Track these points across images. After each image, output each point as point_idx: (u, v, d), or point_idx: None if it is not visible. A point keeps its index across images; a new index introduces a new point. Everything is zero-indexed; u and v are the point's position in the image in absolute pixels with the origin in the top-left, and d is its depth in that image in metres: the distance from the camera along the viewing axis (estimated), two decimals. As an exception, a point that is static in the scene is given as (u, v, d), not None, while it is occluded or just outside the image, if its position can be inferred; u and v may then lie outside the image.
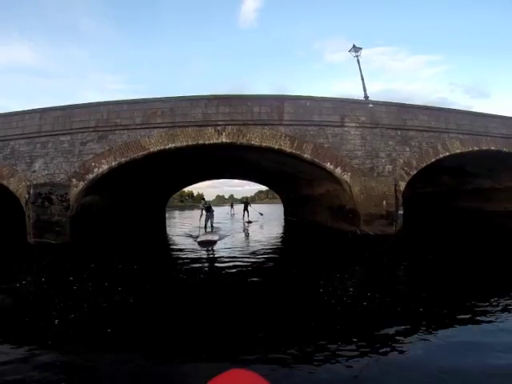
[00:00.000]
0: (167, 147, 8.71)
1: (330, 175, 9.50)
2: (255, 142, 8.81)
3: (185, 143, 8.72)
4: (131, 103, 9.14)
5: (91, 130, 8.92)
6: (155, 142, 8.71)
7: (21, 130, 9.15)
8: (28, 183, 8.83)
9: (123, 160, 8.70)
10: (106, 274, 5.40)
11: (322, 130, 9.18)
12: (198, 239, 8.99)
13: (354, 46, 11.60)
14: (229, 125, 8.81)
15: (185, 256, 7.17)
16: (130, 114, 8.91)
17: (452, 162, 10.74)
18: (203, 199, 11.38)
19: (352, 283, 4.60)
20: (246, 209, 18.58)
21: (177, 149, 8.83)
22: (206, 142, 8.76)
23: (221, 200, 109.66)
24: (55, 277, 5.33)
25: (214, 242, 8.64)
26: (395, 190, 9.01)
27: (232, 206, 29.51)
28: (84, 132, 8.94)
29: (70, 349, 2.70)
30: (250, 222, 16.82)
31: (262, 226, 15.08)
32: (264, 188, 75.94)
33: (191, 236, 10.59)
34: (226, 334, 2.95)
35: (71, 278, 4.99)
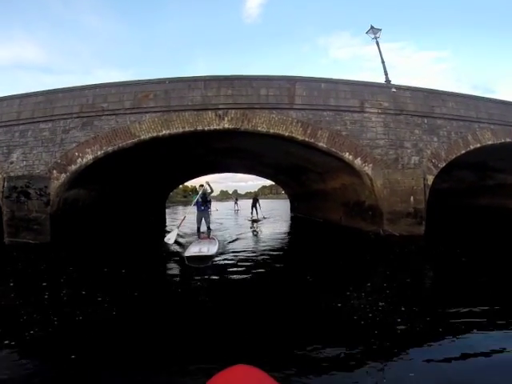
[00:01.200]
0: (161, 134, 8.20)
1: (346, 167, 8.93)
2: (262, 128, 8.26)
3: (181, 129, 8.20)
4: (120, 86, 8.67)
5: (75, 115, 8.47)
6: (147, 128, 8.19)
7: (-2, 118, 8.72)
8: (5, 176, 8.40)
9: (110, 149, 8.21)
10: (89, 279, 4.97)
11: (338, 116, 8.62)
12: (186, 253, 6.53)
13: (371, 27, 11.12)
14: (231, 109, 8.27)
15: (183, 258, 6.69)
16: (118, 98, 8.45)
17: (474, 155, 10.15)
18: (202, 186, 8.20)
19: (382, 296, 4.01)
20: (254, 205, 17.66)
21: (171, 136, 8.32)
22: (206, 129, 8.24)
23: (224, 195, 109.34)
24: (26, 282, 4.96)
25: (208, 258, 6.32)
26: (424, 184, 8.41)
27: (236, 202, 28.96)
28: (67, 118, 8.49)
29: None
30: (256, 220, 16.22)
31: (268, 225, 14.54)
32: (268, 183, 75.75)
33: (179, 244, 8.23)
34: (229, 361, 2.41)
35: (44, 284, 4.62)
